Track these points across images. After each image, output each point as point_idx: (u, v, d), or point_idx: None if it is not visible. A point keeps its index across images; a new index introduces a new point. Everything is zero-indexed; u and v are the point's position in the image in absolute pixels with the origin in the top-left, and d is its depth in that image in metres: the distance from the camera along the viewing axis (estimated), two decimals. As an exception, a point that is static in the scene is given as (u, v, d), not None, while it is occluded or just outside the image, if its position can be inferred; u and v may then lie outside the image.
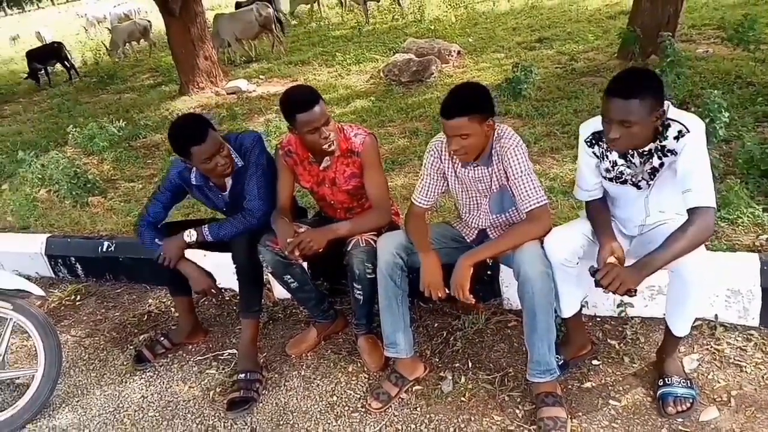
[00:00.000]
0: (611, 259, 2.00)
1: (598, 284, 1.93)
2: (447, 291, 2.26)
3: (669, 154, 1.96)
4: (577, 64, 6.66)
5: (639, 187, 2.09)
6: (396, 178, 4.25)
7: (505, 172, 2.26)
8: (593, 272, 1.96)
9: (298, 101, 2.38)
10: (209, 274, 2.72)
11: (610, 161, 2.11)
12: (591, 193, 2.22)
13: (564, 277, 2.13)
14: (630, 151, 2.02)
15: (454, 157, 2.32)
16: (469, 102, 2.13)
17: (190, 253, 2.75)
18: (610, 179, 2.15)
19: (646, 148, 1.99)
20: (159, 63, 12.02)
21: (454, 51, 7.86)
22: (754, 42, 5.37)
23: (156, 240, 2.66)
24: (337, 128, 2.51)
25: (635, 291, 1.89)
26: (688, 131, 1.90)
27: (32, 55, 12.47)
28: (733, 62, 5.57)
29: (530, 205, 2.21)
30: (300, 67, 9.32)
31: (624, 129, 1.89)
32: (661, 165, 1.99)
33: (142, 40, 14.07)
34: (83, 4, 32.33)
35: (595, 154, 2.14)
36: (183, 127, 2.52)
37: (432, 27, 10.34)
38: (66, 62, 12.55)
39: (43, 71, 12.56)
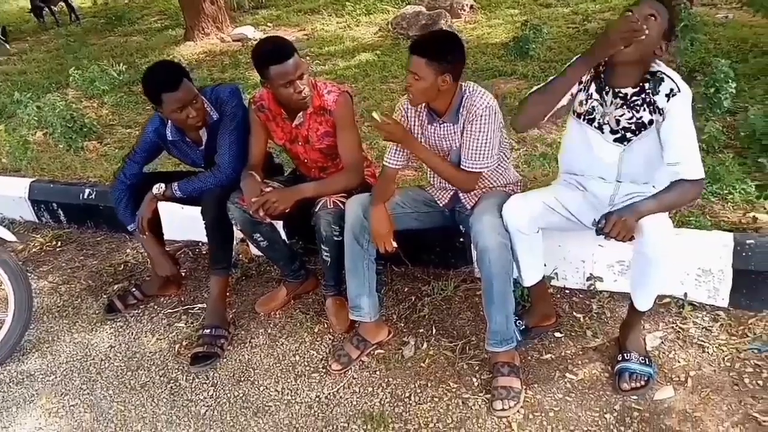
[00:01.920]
0: None
1: (603, 234, 1.89)
2: (395, 245, 2.28)
3: (656, 111, 1.90)
4: (590, 24, 6.40)
5: (602, 131, 2.02)
6: (390, 137, 4.15)
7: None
8: (598, 229, 1.90)
9: (272, 52, 2.30)
10: (175, 260, 2.81)
11: (587, 93, 2.04)
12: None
13: (523, 245, 2.08)
14: (607, 87, 1.97)
15: (421, 114, 2.28)
16: (436, 47, 2.07)
17: (167, 206, 2.74)
18: (580, 114, 2.07)
19: (624, 91, 1.94)
20: (168, 5, 11.76)
21: (467, 5, 7.57)
22: (776, 8, 5.09)
23: (131, 215, 2.68)
24: (311, 83, 2.43)
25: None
26: (680, 91, 1.85)
27: None
28: (752, 29, 5.30)
29: (468, 166, 2.17)
30: (309, 16, 9.06)
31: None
32: (650, 122, 1.93)
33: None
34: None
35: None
36: (157, 73, 2.47)
37: (448, -23, 9.97)
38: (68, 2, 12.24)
39: (47, 10, 12.28)
